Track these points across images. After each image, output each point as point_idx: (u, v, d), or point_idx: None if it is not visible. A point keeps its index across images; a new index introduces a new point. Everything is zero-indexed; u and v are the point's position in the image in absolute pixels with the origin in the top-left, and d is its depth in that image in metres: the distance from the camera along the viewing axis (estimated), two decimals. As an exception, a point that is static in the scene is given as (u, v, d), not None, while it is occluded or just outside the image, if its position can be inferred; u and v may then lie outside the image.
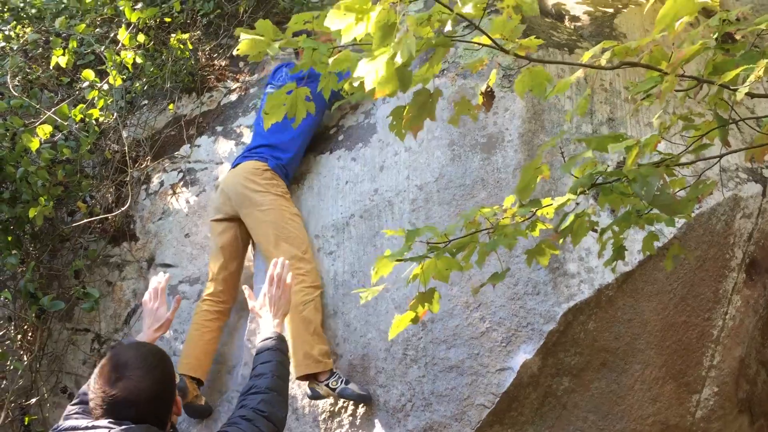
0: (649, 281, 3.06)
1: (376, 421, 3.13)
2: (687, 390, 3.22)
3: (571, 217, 1.90)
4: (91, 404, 1.81)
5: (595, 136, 1.72)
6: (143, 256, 4.12)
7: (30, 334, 3.93)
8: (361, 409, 3.16)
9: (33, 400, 3.76)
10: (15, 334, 3.89)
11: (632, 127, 3.26)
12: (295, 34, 1.56)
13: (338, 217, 3.45)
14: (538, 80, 1.67)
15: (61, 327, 4.11)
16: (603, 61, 1.60)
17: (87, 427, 1.76)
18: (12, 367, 3.79)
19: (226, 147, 4.16)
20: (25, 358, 3.84)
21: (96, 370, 1.86)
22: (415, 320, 2.03)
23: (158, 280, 2.68)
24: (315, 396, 3.17)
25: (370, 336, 3.22)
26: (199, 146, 4.27)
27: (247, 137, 4.11)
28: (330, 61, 1.45)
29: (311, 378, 3.16)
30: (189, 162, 4.24)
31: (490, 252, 1.93)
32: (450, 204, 3.19)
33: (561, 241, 2.01)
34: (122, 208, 4.07)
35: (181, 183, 4.18)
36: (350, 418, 3.18)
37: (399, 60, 1.16)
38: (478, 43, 1.54)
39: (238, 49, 1.51)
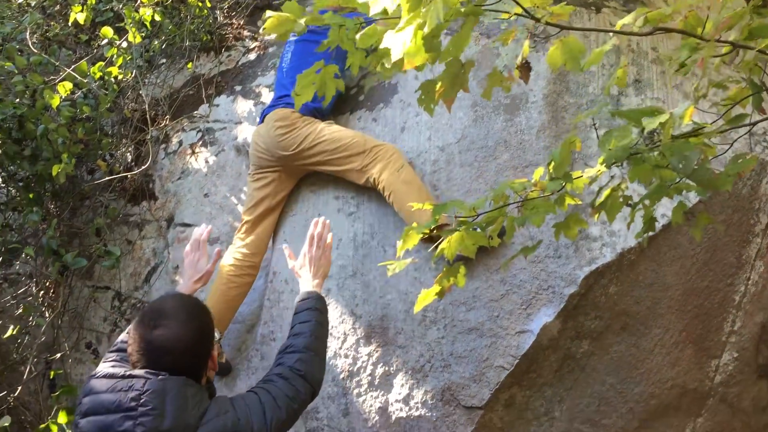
0: (672, 246, 3.04)
1: (395, 381, 3.14)
2: (707, 355, 3.21)
3: (606, 192, 1.88)
4: (129, 350, 1.84)
5: (630, 110, 1.67)
6: (162, 216, 4.13)
7: (52, 291, 3.97)
8: (379, 369, 3.18)
9: (58, 355, 3.81)
10: (37, 290, 3.93)
11: (659, 89, 3.20)
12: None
13: (358, 178, 3.43)
14: (572, 53, 1.62)
15: (82, 284, 4.15)
16: (636, 28, 1.56)
17: (123, 376, 1.78)
18: (34, 324, 3.84)
19: (245, 106, 4.13)
20: (47, 315, 3.89)
21: (137, 317, 1.87)
22: (440, 294, 2.03)
23: (199, 231, 2.66)
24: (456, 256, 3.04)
25: (390, 297, 3.22)
26: (217, 106, 4.25)
27: (266, 97, 4.08)
28: (357, 36, 1.43)
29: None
30: (208, 122, 4.22)
31: (521, 227, 1.91)
32: (471, 165, 3.16)
33: (596, 216, 1.98)
34: (142, 167, 4.07)
35: (200, 143, 4.18)
36: (369, 377, 3.20)
37: (427, 29, 1.13)
38: (508, 12, 1.50)
39: (264, 28, 1.50)
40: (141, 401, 1.71)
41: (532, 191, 1.94)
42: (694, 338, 3.16)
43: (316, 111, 3.44)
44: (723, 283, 3.16)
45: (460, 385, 3.01)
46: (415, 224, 1.91)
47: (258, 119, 3.59)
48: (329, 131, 3.33)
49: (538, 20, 1.50)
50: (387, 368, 3.18)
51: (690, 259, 3.08)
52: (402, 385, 3.12)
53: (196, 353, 1.85)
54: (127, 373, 1.80)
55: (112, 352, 2.09)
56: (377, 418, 3.16)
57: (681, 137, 1.77)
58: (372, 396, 3.18)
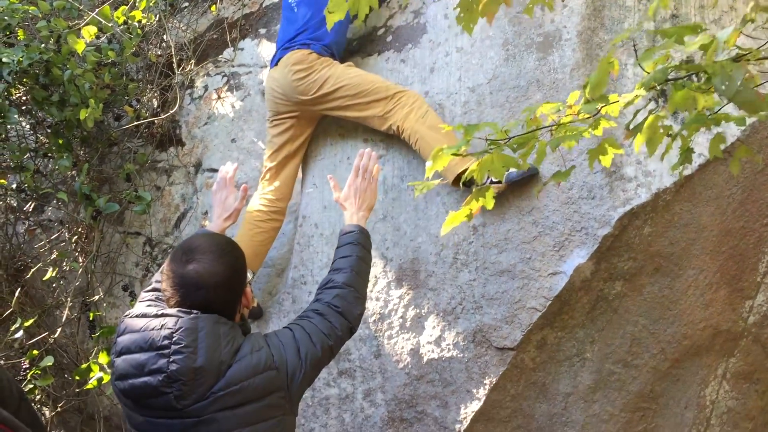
0: (708, 186, 2.98)
1: (426, 323, 3.16)
2: (740, 296, 3.19)
3: (648, 121, 1.81)
4: (162, 286, 1.84)
5: (672, 27, 1.59)
6: (190, 162, 4.13)
7: (84, 236, 4.02)
8: (411, 312, 3.20)
9: (95, 297, 3.88)
10: (70, 236, 3.98)
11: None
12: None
13: (387, 121, 3.39)
14: None
15: (113, 230, 4.19)
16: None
17: (156, 315, 1.80)
18: (69, 268, 3.89)
19: (270, 50, 4.07)
20: (81, 260, 3.94)
21: (171, 253, 1.88)
22: (469, 216, 1.98)
23: (226, 169, 2.63)
24: (509, 178, 2.97)
25: (420, 240, 3.21)
26: (242, 49, 4.20)
27: (292, 40, 4.01)
28: None
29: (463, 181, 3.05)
30: (233, 66, 4.18)
31: (555, 149, 1.85)
32: (503, 106, 3.10)
33: (631, 140, 1.92)
34: (169, 112, 4.06)
35: (226, 87, 4.14)
36: (400, 320, 3.22)
37: None
38: None
39: None
40: (174, 339, 1.72)
41: (566, 115, 1.88)
42: (728, 279, 3.13)
43: (332, 49, 3.37)
44: (759, 223, 3.11)
45: (492, 327, 3.02)
46: (445, 146, 1.87)
47: (270, 63, 3.52)
48: (349, 75, 3.27)
49: None
50: (418, 311, 3.19)
51: (726, 199, 3.03)
52: (433, 327, 3.14)
53: (229, 288, 1.84)
54: (160, 312, 1.80)
55: (147, 291, 2.11)
56: (409, 359, 3.19)
57: (724, 60, 1.70)
58: (403, 338, 3.21)
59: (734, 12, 3.19)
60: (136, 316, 1.84)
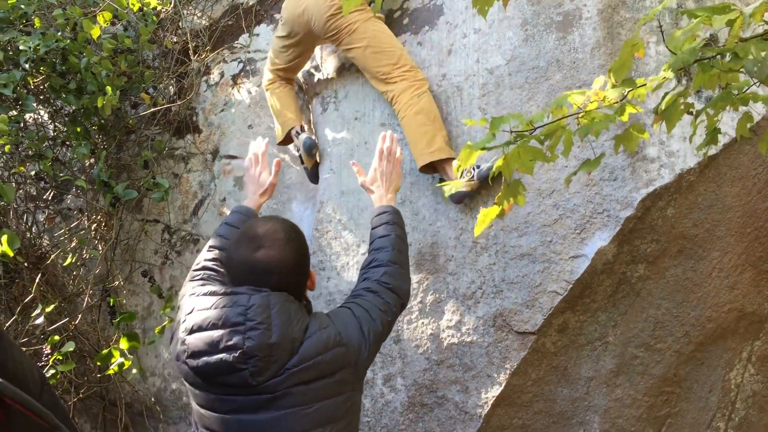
0: (733, 166, 2.93)
1: (446, 308, 3.14)
2: (766, 278, 3.13)
3: (670, 97, 1.76)
4: (231, 272, 1.86)
5: (700, 8, 1.55)
6: (207, 148, 4.13)
7: (104, 224, 4.03)
8: (430, 296, 3.17)
9: (115, 283, 3.89)
10: (89, 224, 3.99)
11: (721, 1, 3.02)
12: None
13: (405, 104, 3.35)
14: None
15: (132, 218, 4.20)
16: None
17: (226, 293, 1.80)
18: (88, 256, 3.91)
19: (286, 35, 4.04)
20: (101, 248, 3.95)
21: (232, 241, 1.89)
22: (501, 215, 1.96)
23: (257, 145, 2.63)
24: (456, 198, 3.09)
25: (440, 224, 3.19)
26: (258, 35, 4.18)
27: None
28: None
29: (436, 170, 3.14)
30: (249, 52, 4.16)
31: (584, 138, 1.81)
32: (522, 88, 3.06)
33: (657, 125, 1.87)
34: (186, 99, 4.05)
35: (242, 74, 4.12)
36: (419, 305, 3.20)
37: None
38: None
39: None
40: (248, 315, 1.72)
41: (591, 102, 1.84)
42: (753, 261, 3.08)
43: None
44: (785, 204, 3.05)
45: (513, 311, 2.99)
46: (469, 143, 1.84)
47: None
48: (375, 28, 3.26)
49: None
50: (438, 295, 3.17)
51: (751, 179, 2.97)
52: (453, 312, 3.12)
53: (298, 271, 1.87)
54: (230, 289, 1.81)
55: (196, 270, 2.10)
56: (429, 344, 3.17)
57: (752, 38, 1.65)
58: (423, 323, 3.19)
59: (759, -12, 3.11)
60: (204, 295, 1.85)
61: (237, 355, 1.70)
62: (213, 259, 2.14)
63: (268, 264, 1.79)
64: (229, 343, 1.71)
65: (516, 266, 3.00)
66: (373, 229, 2.33)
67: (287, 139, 3.59)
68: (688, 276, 3.01)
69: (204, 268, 2.10)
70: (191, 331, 1.78)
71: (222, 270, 2.07)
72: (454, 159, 3.06)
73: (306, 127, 3.57)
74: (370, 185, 2.51)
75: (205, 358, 1.74)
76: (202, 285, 1.95)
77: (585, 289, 2.94)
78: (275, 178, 2.53)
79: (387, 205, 2.39)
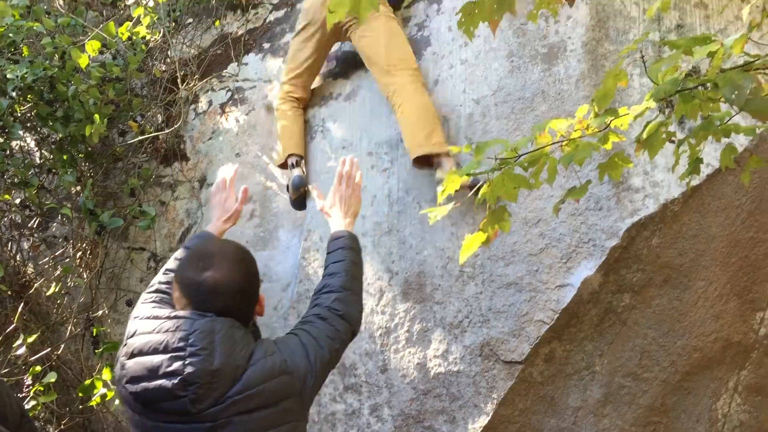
0: (717, 196, 2.96)
1: (433, 337, 3.13)
2: (751, 307, 3.15)
3: (652, 125, 1.78)
4: (176, 293, 1.81)
5: (681, 38, 1.57)
6: (195, 176, 4.12)
7: (89, 252, 4.01)
8: (417, 325, 3.16)
9: (99, 312, 3.86)
10: (74, 252, 3.96)
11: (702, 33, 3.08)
12: None
13: (392, 134, 3.38)
14: None
15: (118, 246, 4.17)
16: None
17: (169, 316, 1.76)
18: (73, 284, 3.88)
19: (274, 64, 4.08)
20: (85, 276, 3.92)
21: (182, 260, 1.85)
22: (486, 242, 1.96)
23: (226, 171, 2.61)
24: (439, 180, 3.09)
25: (426, 253, 3.19)
26: (246, 64, 4.20)
27: (296, 54, 4.01)
28: None
29: (430, 163, 3.14)
30: (237, 80, 4.18)
31: (567, 166, 1.82)
32: (508, 118, 3.09)
33: (641, 153, 1.89)
34: (173, 127, 4.06)
35: (230, 102, 4.14)
36: (406, 334, 3.19)
37: None
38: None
39: None
40: (189, 341, 1.68)
41: (574, 131, 1.86)
42: (738, 291, 3.09)
43: None
44: (769, 234, 3.08)
45: (499, 340, 2.99)
46: (454, 169, 1.84)
47: None
48: (393, 24, 3.32)
49: None
50: (424, 324, 3.16)
51: (735, 209, 3.00)
52: (440, 341, 3.11)
53: (246, 294, 1.83)
54: (173, 314, 1.77)
55: (149, 293, 2.06)
56: (415, 373, 3.15)
57: (732, 69, 1.67)
58: (410, 352, 3.17)
59: (740, 22, 3.17)
60: (147, 318, 1.81)
61: (177, 381, 1.65)
62: (167, 282, 2.07)
63: (214, 285, 1.75)
64: (169, 369, 1.66)
65: (503, 295, 3.00)
66: (328, 253, 2.28)
67: (285, 165, 3.61)
68: (674, 305, 3.02)
69: (157, 290, 2.05)
70: (131, 356, 1.74)
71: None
72: (451, 155, 3.07)
73: (302, 160, 3.57)
74: (328, 209, 2.46)
75: (144, 384, 1.69)
76: (149, 308, 1.90)
77: (571, 319, 2.94)
78: (241, 205, 2.51)
79: (343, 230, 2.34)
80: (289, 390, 1.77)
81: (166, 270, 2.16)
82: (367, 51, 3.36)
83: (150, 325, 1.77)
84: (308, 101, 3.72)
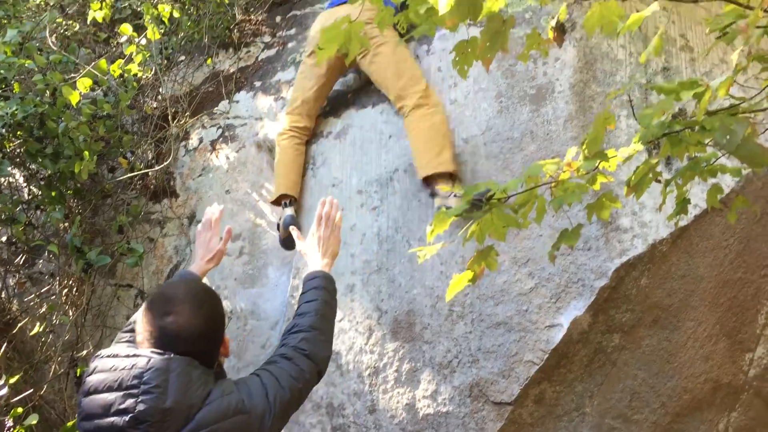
0: (705, 236, 2.97)
1: (422, 377, 3.10)
2: (740, 348, 3.14)
3: (640, 168, 1.80)
4: (138, 337, 1.80)
5: (669, 83, 1.59)
6: (184, 213, 4.11)
7: (75, 289, 3.97)
8: (406, 365, 3.14)
9: (84, 353, 3.81)
10: (60, 289, 3.93)
11: (688, 76, 3.12)
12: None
13: (382, 172, 3.39)
14: (609, 17, 1.55)
15: (105, 283, 4.14)
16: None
17: (128, 355, 1.74)
18: (58, 322, 3.83)
19: (265, 102, 4.10)
20: (71, 313, 3.88)
21: (145, 303, 1.84)
22: (473, 280, 1.96)
23: (212, 210, 2.61)
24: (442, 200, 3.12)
25: (416, 292, 3.18)
26: (237, 102, 4.22)
27: (286, 92, 4.04)
28: None
29: (433, 189, 3.15)
30: (228, 118, 4.20)
31: (558, 209, 1.83)
32: (497, 157, 3.11)
33: (629, 194, 1.90)
34: (163, 164, 4.06)
35: (221, 139, 4.15)
36: (395, 374, 3.16)
37: None
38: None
39: None
40: (143, 379, 1.66)
41: (563, 172, 1.87)
42: (727, 331, 3.09)
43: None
44: (756, 274, 3.09)
45: (489, 381, 2.96)
46: (444, 209, 1.85)
47: (331, 5, 3.64)
48: (402, 49, 3.36)
49: None
50: (413, 364, 3.13)
51: (723, 250, 3.01)
52: (429, 381, 3.08)
53: (208, 338, 1.81)
54: (132, 352, 1.75)
55: (125, 332, 2.06)
56: (404, 414, 3.12)
57: (717, 112, 1.69)
58: (398, 392, 3.14)
59: (725, 65, 3.22)
60: (108, 356, 1.79)
61: (128, 419, 1.63)
62: None
63: (176, 331, 1.74)
64: (122, 406, 1.64)
65: (492, 335, 2.99)
66: (302, 293, 2.26)
67: (277, 202, 3.60)
68: (663, 346, 3.01)
69: (132, 330, 2.05)
70: (87, 393, 1.72)
71: None
72: (455, 174, 3.11)
73: (295, 201, 3.57)
74: (306, 250, 2.46)
75: (96, 421, 1.67)
76: (115, 346, 1.90)
77: (561, 359, 2.92)
78: (224, 246, 2.52)
79: (319, 270, 2.32)
80: (245, 429, 1.74)
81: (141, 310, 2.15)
82: (377, 77, 3.42)
83: (108, 363, 1.75)
84: (313, 132, 3.74)
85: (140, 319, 1.82)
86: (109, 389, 1.69)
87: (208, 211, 2.60)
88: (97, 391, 1.71)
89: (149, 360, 1.70)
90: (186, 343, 1.75)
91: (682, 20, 3.22)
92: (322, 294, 2.23)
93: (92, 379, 1.74)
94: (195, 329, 1.77)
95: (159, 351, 1.72)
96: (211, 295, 1.89)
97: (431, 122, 3.16)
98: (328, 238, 2.44)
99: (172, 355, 1.72)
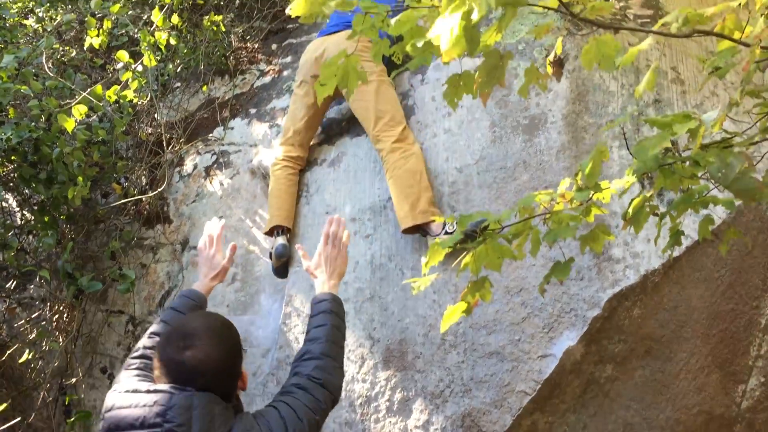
0: (697, 268, 2.98)
1: (414, 406, 3.08)
2: (733, 380, 3.14)
3: (635, 202, 1.81)
4: (156, 371, 1.79)
5: (663, 117, 1.61)
6: (177, 239, 4.10)
7: (66, 315, 3.94)
8: (398, 394, 3.12)
9: (73, 380, 3.77)
10: (51, 315, 3.90)
11: (679, 108, 3.16)
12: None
13: (375, 200, 3.40)
14: (606, 51, 1.57)
15: (96, 308, 4.11)
16: (674, 29, 1.51)
17: (148, 390, 1.74)
18: (48, 348, 3.80)
19: (260, 129, 4.12)
20: (61, 340, 3.85)
21: (163, 336, 1.84)
22: (467, 311, 1.96)
23: (213, 226, 2.58)
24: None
25: (408, 321, 3.17)
26: (232, 129, 4.24)
27: (281, 119, 4.06)
28: (393, 21, 1.37)
29: (420, 232, 3.14)
30: (222, 144, 4.21)
31: (552, 244, 1.84)
32: (490, 187, 3.12)
33: (627, 228, 1.91)
34: (157, 190, 4.06)
35: (215, 165, 4.16)
36: (387, 403, 3.14)
37: (475, 16, 1.09)
38: (545, 7, 1.45)
39: (291, 9, 1.43)
40: (167, 417, 1.66)
41: (557, 203, 1.88)
42: (720, 362, 3.09)
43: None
44: (748, 306, 3.09)
45: (481, 411, 2.94)
46: (438, 240, 1.86)
47: (327, 30, 3.65)
48: (385, 89, 3.37)
49: (575, 16, 1.45)
50: (405, 393, 3.11)
51: (715, 281, 3.02)
52: (421, 411, 3.06)
53: (228, 373, 1.82)
54: (152, 387, 1.75)
55: (133, 358, 2.04)
56: (396, 444, 3.09)
57: (711, 145, 1.71)
58: (390, 422, 3.11)
59: (716, 97, 3.26)
60: (126, 392, 1.78)
61: None
62: (152, 347, 2.05)
63: (196, 366, 1.74)
64: None
65: (485, 364, 2.97)
66: (311, 317, 2.25)
67: (271, 232, 3.59)
68: (656, 377, 3.00)
69: (142, 356, 2.04)
70: (108, 430, 1.71)
71: None
72: (439, 219, 3.08)
73: (288, 230, 3.56)
74: (314, 270, 2.44)
75: None
76: (130, 379, 1.89)
77: (554, 389, 2.91)
78: (229, 263, 2.49)
79: (327, 293, 2.32)
80: None
81: (151, 333, 2.14)
82: (358, 114, 3.44)
83: (128, 399, 1.75)
84: (307, 160, 3.74)
85: (157, 354, 1.81)
86: (131, 427, 1.68)
87: (208, 226, 2.57)
88: (119, 429, 1.70)
89: (171, 397, 1.70)
90: (206, 378, 1.74)
91: (674, 53, 3.26)
92: (331, 318, 2.22)
93: (112, 416, 1.73)
94: (215, 364, 1.77)
95: (179, 386, 1.72)
96: (230, 329, 1.88)
97: (406, 167, 3.17)
98: (335, 258, 2.43)
99: (193, 391, 1.71)
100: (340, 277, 2.44)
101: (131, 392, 1.76)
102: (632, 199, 1.84)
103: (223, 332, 1.83)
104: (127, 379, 1.88)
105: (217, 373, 1.77)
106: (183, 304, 2.31)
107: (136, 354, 2.07)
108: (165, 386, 1.73)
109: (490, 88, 1.57)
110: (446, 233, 3.00)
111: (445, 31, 1.15)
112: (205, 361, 1.74)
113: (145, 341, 2.11)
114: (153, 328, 2.18)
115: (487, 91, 1.57)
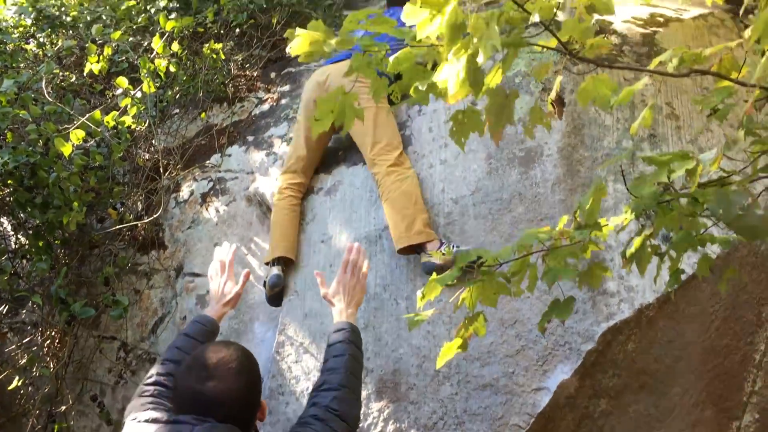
0: (691, 302, 2.98)
1: (406, 438, 3.05)
2: (727, 416, 3.12)
3: (637, 241, 1.81)
4: (176, 401, 1.78)
5: (660, 155, 1.62)
6: (171, 265, 4.09)
7: (57, 340, 3.91)
8: (391, 426, 3.09)
9: (63, 407, 3.73)
10: (42, 340, 3.87)
11: (674, 143, 3.19)
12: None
13: (371, 230, 3.40)
14: (602, 90, 1.59)
15: (88, 334, 4.08)
16: (670, 68, 1.52)
17: (169, 421, 1.73)
18: (38, 374, 3.76)
19: (257, 157, 4.13)
20: (52, 365, 3.82)
21: (183, 366, 1.83)
22: (463, 347, 1.95)
23: (223, 252, 2.57)
24: (428, 268, 3.05)
25: (402, 351, 3.15)
26: (230, 156, 4.26)
27: (279, 147, 4.08)
28: (391, 59, 1.38)
29: (416, 250, 3.13)
30: (219, 171, 4.22)
31: (552, 285, 1.83)
32: (486, 218, 3.13)
33: (629, 268, 1.91)
34: (153, 216, 4.06)
35: (212, 192, 4.16)
36: (379, 434, 3.11)
37: (480, 60, 1.10)
38: (544, 46, 1.47)
39: (290, 48, 1.45)
40: None
41: (555, 240, 1.88)
42: (714, 398, 3.07)
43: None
44: (743, 341, 3.09)
45: (474, 444, 2.92)
46: (435, 275, 1.86)
47: (332, 60, 3.67)
48: (383, 116, 3.40)
49: (573, 55, 1.46)
50: (398, 425, 3.08)
51: (709, 316, 3.02)
52: (414, 444, 3.03)
53: (248, 404, 1.80)
54: (173, 418, 1.74)
55: (147, 384, 2.03)
56: (388, 477, 3.06)
57: (708, 184, 1.72)
58: (382, 454, 3.08)
59: (710, 133, 3.29)
60: (146, 421, 1.76)
61: None
62: (167, 374, 2.05)
63: (217, 397, 1.73)
64: None
65: (478, 397, 2.95)
66: (328, 346, 2.26)
67: (272, 262, 3.58)
68: (651, 412, 2.99)
69: (156, 383, 2.03)
70: None
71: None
72: (434, 240, 3.09)
73: (291, 262, 3.55)
74: (332, 297, 2.46)
75: None
76: (146, 408, 1.87)
77: (547, 423, 2.89)
78: (241, 288, 2.50)
79: (345, 322, 2.33)
80: None
81: (165, 360, 2.13)
82: (356, 139, 3.48)
83: (148, 429, 1.73)
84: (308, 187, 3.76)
85: (176, 384, 1.80)
86: None
87: (219, 252, 2.57)
88: None
89: (192, 428, 1.68)
90: (226, 409, 1.73)
91: (669, 89, 3.30)
92: (349, 348, 2.24)
93: None
94: (235, 395, 1.75)
95: (200, 417, 1.71)
96: (250, 360, 1.88)
97: (401, 189, 3.20)
98: (353, 286, 2.45)
99: (213, 422, 1.70)
100: (358, 305, 2.48)
101: (151, 422, 1.76)
102: (631, 237, 1.84)
103: (244, 363, 1.82)
104: (143, 409, 1.86)
105: (237, 405, 1.76)
106: (196, 330, 2.31)
107: (149, 381, 2.06)
108: (186, 417, 1.72)
109: (502, 126, 1.58)
110: (442, 254, 3.01)
111: (452, 75, 1.16)
112: (227, 392, 1.74)
113: (158, 368, 2.11)
114: (167, 354, 2.18)
115: (498, 131, 1.57)
